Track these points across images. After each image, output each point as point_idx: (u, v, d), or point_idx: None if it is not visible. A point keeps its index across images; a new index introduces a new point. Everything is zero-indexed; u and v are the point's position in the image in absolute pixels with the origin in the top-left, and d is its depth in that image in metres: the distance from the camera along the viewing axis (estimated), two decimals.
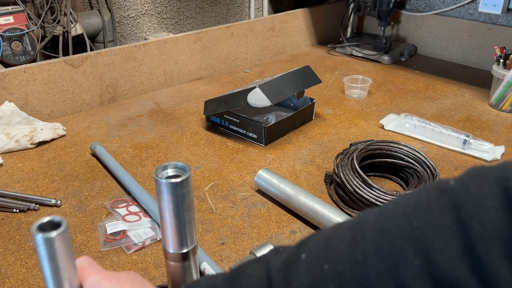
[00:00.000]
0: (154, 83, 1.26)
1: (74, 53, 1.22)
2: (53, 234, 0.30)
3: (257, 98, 0.90)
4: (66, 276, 0.32)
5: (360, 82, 1.22)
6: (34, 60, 1.11)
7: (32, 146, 0.95)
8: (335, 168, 0.79)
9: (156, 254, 0.66)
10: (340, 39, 1.62)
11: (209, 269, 0.60)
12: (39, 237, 0.30)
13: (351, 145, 0.87)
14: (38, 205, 0.76)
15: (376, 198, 0.71)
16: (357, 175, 0.75)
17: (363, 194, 0.72)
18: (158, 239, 0.68)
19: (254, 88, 0.91)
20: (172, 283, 0.43)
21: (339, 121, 1.08)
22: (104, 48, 1.26)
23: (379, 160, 0.83)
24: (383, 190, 0.72)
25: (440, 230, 0.27)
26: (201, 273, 0.61)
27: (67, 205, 0.77)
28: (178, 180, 0.37)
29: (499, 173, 0.28)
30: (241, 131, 0.99)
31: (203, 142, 0.98)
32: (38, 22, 1.13)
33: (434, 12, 1.53)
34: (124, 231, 0.70)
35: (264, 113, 1.04)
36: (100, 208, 0.76)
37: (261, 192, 0.80)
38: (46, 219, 0.31)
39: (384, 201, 0.71)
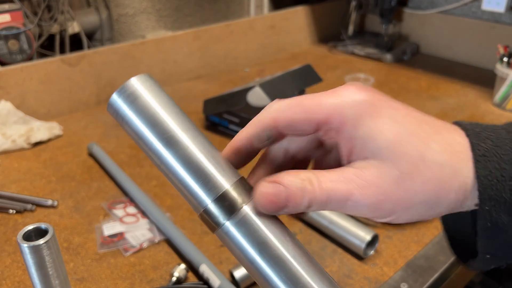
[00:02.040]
0: None
1: (71, 51, 1.20)
2: (40, 242, 0.29)
3: (258, 98, 0.89)
4: (57, 283, 0.31)
5: (362, 81, 1.21)
6: (30, 59, 1.10)
7: (29, 146, 0.93)
8: None
9: (154, 256, 0.65)
10: (342, 37, 1.60)
11: (208, 271, 0.59)
12: (25, 246, 0.29)
13: None
14: (34, 206, 0.75)
15: None
16: None
17: None
18: (156, 241, 0.67)
19: (254, 87, 0.90)
20: None
21: None
22: (102, 46, 1.24)
23: None
24: None
25: None
26: (200, 278, 0.60)
27: (64, 206, 0.76)
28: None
29: None
30: None
31: None
32: (35, 20, 1.12)
33: (437, 10, 1.51)
34: (121, 233, 0.69)
35: None
36: (97, 209, 0.75)
37: None
38: (32, 226, 0.30)
39: None
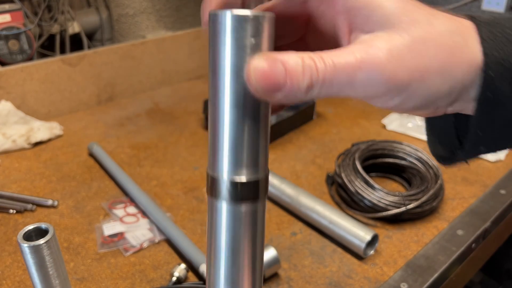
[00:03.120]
0: (153, 82, 1.24)
1: (71, 51, 1.20)
2: (41, 242, 0.29)
3: None
4: (57, 282, 0.31)
5: None
6: (31, 59, 1.10)
7: (29, 146, 0.94)
8: (337, 168, 0.78)
9: (154, 256, 0.65)
10: None
11: None
12: (26, 246, 0.29)
13: (353, 145, 0.85)
14: (35, 206, 0.75)
15: (379, 199, 0.70)
16: (359, 176, 0.74)
17: (365, 196, 0.71)
18: (156, 241, 0.67)
19: None
20: None
21: (340, 120, 1.07)
22: (102, 46, 1.24)
23: (382, 160, 0.81)
24: (385, 191, 0.71)
25: None
26: (201, 277, 0.60)
27: (64, 206, 0.76)
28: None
29: None
30: None
31: (202, 142, 0.97)
32: (35, 21, 1.12)
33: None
34: (122, 233, 0.69)
35: None
36: (98, 209, 0.75)
37: None
38: (32, 226, 0.31)
39: (387, 202, 0.70)
